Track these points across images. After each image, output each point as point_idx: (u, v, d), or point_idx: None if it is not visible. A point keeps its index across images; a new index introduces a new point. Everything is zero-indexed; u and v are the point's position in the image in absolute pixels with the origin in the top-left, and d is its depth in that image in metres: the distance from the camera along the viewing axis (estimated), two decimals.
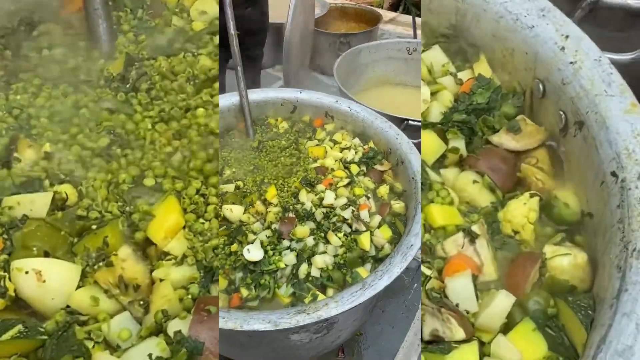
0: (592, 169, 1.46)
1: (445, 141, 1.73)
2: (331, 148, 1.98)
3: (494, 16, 1.84)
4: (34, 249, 1.41)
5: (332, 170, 1.86)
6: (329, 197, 1.69)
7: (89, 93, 1.81)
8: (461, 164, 1.72)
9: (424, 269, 1.37)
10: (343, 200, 1.70)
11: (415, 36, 3.88)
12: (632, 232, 1.22)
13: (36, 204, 1.51)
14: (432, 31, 2.04)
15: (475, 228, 1.48)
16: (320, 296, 1.47)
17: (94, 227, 1.48)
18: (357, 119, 2.07)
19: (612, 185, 1.35)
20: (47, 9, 2.04)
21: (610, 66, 1.56)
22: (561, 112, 1.62)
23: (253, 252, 1.50)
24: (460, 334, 1.27)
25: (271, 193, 1.71)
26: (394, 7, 7.62)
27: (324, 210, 1.67)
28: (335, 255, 1.58)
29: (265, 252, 1.53)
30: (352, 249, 1.59)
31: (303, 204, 1.69)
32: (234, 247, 1.55)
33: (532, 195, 1.56)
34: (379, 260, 1.60)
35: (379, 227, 1.67)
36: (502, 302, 1.31)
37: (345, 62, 3.21)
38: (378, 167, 1.91)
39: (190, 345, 1.26)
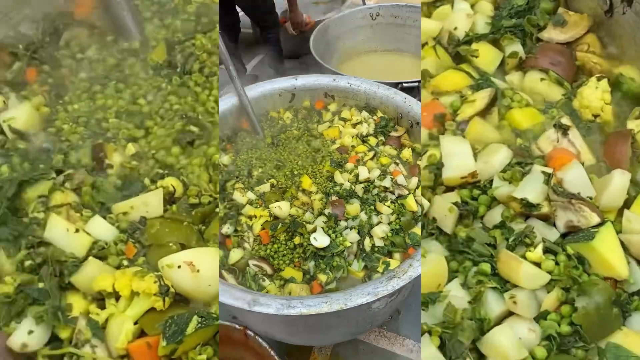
0: None
1: (499, 49, 1.76)
2: (343, 126, 1.98)
3: None
4: (171, 244, 1.41)
5: (353, 147, 1.87)
6: (363, 172, 1.71)
7: (142, 85, 1.77)
8: (521, 66, 1.76)
9: (542, 168, 1.41)
10: (377, 172, 1.72)
11: (364, 2, 3.82)
12: None
13: (150, 203, 1.50)
14: None
15: (564, 120, 1.52)
16: (392, 262, 1.53)
17: (217, 210, 1.47)
18: (358, 92, 2.05)
19: None
20: (63, 14, 1.96)
21: None
22: None
23: (320, 239, 1.52)
24: (595, 218, 1.32)
25: (307, 182, 1.72)
26: None
27: (362, 185, 1.70)
28: (389, 223, 1.62)
29: (328, 236, 1.56)
30: (402, 213, 1.63)
31: (341, 184, 1.71)
32: (297, 239, 1.56)
33: (599, 79, 1.61)
34: None
35: (417, 187, 1.71)
36: (621, 180, 1.36)
37: (317, 38, 3.21)
38: (393, 133, 1.94)
39: None
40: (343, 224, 1.59)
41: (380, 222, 1.61)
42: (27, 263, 1.39)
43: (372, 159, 1.80)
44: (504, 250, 1.33)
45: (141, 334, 1.31)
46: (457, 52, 1.78)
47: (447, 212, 1.42)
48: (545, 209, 1.37)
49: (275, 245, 1.55)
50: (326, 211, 1.61)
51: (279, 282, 1.50)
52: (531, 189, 1.38)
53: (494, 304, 1.30)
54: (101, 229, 1.46)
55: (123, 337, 1.26)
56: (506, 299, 1.29)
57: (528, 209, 1.38)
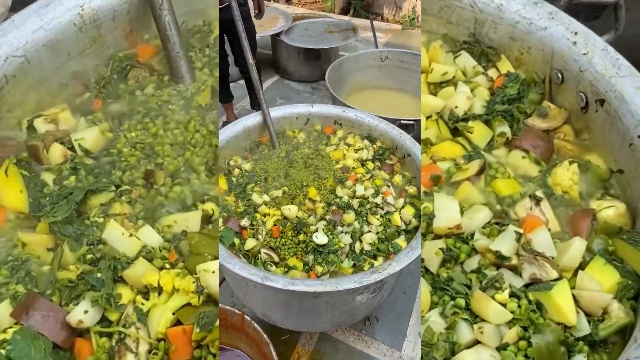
0: (619, 135, 1.76)
1: (491, 128, 2.04)
2: (347, 150, 2.25)
3: (510, 22, 2.15)
4: (206, 254, 1.63)
5: (353, 168, 2.14)
6: (360, 190, 1.98)
7: (182, 121, 2.03)
8: (507, 145, 2.03)
9: (515, 228, 1.66)
10: (371, 191, 1.99)
11: (376, 45, 4.30)
12: None
13: (190, 221, 1.73)
14: (454, 40, 2.34)
15: (538, 193, 1.78)
16: (376, 263, 1.79)
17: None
18: (362, 124, 2.34)
19: None
20: (130, 57, 2.23)
21: (616, 53, 1.88)
22: (582, 94, 1.92)
23: (320, 238, 1.78)
24: (554, 274, 1.55)
25: (312, 192, 1.97)
26: (344, 12, 7.96)
27: (358, 200, 1.96)
28: (377, 232, 1.89)
29: (327, 237, 1.81)
30: (388, 226, 1.90)
31: (341, 197, 1.97)
32: (301, 237, 1.82)
33: (570, 162, 1.86)
34: (409, 232, 1.92)
35: (403, 207, 1.98)
36: (578, 246, 1.59)
37: (332, 72, 3.65)
38: (388, 161, 2.22)
39: None
40: (339, 228, 1.85)
41: (369, 231, 1.87)
42: (88, 257, 1.61)
43: (368, 179, 2.06)
44: (478, 290, 1.56)
45: (176, 323, 1.51)
46: (456, 127, 2.05)
47: (434, 255, 1.66)
48: (514, 261, 1.60)
49: (283, 240, 1.81)
50: (327, 217, 1.87)
51: (284, 268, 1.75)
52: (504, 244, 1.61)
53: (464, 332, 1.52)
54: (149, 236, 1.68)
55: (163, 323, 1.48)
56: (475, 329, 1.51)
57: (500, 260, 1.61)
